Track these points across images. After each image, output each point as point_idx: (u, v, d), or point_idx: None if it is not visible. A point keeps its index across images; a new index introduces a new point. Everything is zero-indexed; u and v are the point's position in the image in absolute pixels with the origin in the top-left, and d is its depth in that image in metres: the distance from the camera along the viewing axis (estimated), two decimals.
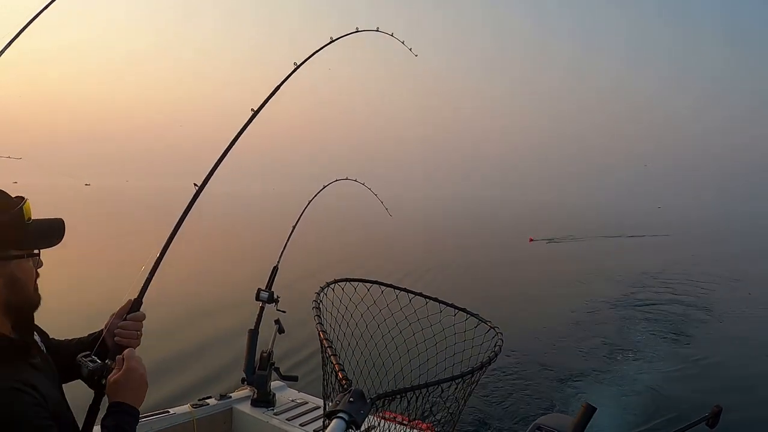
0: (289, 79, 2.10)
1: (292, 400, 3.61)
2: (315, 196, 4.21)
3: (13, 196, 1.30)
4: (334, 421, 1.06)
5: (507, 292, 15.14)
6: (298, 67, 2.16)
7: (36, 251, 1.34)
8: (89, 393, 1.48)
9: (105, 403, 1.41)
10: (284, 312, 3.72)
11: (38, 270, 1.37)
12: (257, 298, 3.65)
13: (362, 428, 1.10)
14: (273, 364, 3.62)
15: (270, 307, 3.71)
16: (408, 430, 1.67)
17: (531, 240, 32.55)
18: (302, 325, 4.17)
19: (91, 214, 41.74)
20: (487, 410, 6.44)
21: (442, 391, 1.29)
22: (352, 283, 1.80)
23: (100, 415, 1.43)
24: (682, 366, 8.69)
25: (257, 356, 3.56)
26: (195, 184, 1.77)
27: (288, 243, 3.96)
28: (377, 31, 2.70)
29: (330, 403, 1.21)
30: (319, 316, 1.48)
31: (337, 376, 1.22)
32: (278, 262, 3.85)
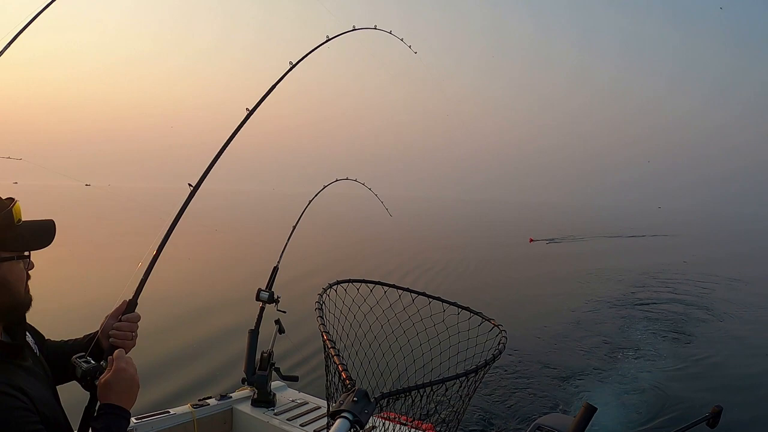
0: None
1: (293, 401, 3.60)
2: (315, 196, 4.20)
3: (13, 197, 1.29)
4: (338, 421, 1.05)
5: (507, 292, 15.13)
6: (293, 66, 2.15)
7: (26, 253, 1.33)
8: (87, 394, 1.48)
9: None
10: (284, 312, 3.71)
11: (30, 271, 1.36)
12: (257, 298, 3.64)
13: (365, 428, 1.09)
14: (273, 364, 3.61)
15: (270, 307, 3.70)
16: (409, 430, 1.67)
17: (531, 240, 32.54)
18: (302, 325, 4.17)
19: (91, 215, 41.75)
20: (488, 409, 6.44)
21: (447, 389, 1.28)
22: (354, 283, 1.79)
23: None
24: (682, 365, 8.68)
25: (257, 356, 3.56)
26: (189, 185, 1.76)
27: (288, 243, 3.95)
28: (375, 29, 2.69)
29: (333, 404, 1.20)
30: (322, 317, 1.47)
31: (340, 376, 1.22)
32: (278, 262, 3.84)
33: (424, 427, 1.65)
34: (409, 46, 3.06)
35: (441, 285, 15.08)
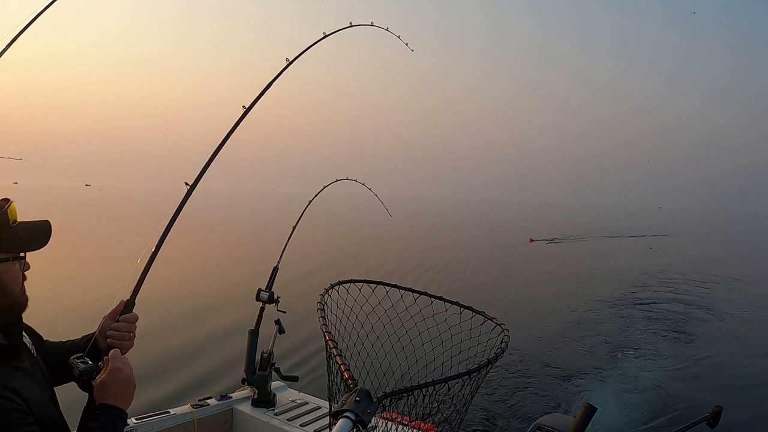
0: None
1: (293, 401, 3.60)
2: (315, 196, 4.20)
3: (9, 198, 1.29)
4: (340, 420, 1.04)
5: (507, 292, 15.12)
6: (290, 63, 2.14)
7: (22, 254, 1.32)
8: (86, 395, 1.47)
9: None
10: (284, 312, 3.71)
11: (29, 272, 1.36)
12: (257, 298, 3.64)
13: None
14: (273, 364, 3.60)
15: (270, 307, 3.70)
16: (410, 430, 1.66)
17: (531, 240, 32.53)
18: (303, 325, 4.16)
19: (90, 214, 41.73)
20: (488, 409, 6.43)
21: (449, 389, 1.28)
22: (355, 283, 1.78)
23: None
24: (682, 365, 8.68)
25: (257, 356, 3.55)
26: (186, 183, 1.75)
27: (288, 243, 3.94)
28: (372, 25, 2.67)
29: (335, 404, 1.19)
30: (323, 318, 1.47)
31: (342, 376, 1.21)
32: (278, 262, 3.84)
33: (425, 427, 1.64)
34: (406, 44, 3.06)
35: (441, 285, 15.07)
